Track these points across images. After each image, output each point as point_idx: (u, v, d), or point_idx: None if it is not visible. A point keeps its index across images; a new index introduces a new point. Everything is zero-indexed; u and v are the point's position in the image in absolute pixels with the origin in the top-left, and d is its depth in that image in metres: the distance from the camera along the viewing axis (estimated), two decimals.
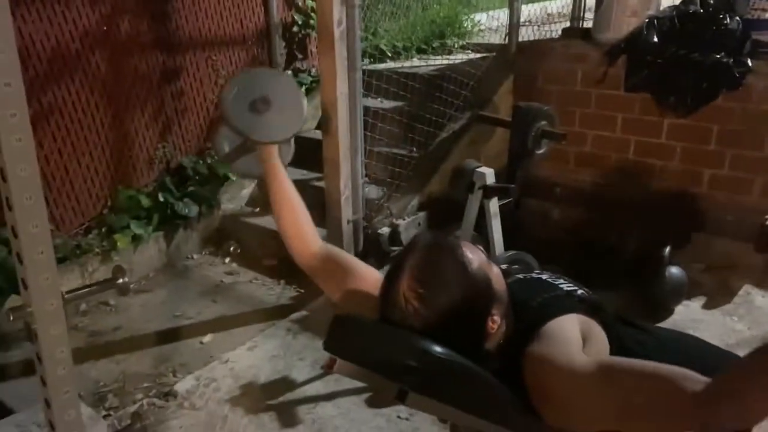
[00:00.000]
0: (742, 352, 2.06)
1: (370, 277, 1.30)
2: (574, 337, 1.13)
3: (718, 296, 2.96)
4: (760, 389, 0.88)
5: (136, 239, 3.31)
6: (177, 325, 2.94)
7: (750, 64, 2.79)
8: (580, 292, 1.30)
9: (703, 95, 2.94)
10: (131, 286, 3.25)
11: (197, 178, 3.72)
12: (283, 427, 2.23)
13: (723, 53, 2.82)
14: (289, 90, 1.49)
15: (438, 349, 0.96)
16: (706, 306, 2.91)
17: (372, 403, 2.33)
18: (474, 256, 1.10)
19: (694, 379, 0.94)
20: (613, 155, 3.38)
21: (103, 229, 3.30)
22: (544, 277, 1.35)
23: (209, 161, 3.81)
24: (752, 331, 2.69)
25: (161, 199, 3.47)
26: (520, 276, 1.35)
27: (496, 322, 1.11)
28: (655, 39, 3.02)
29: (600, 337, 1.23)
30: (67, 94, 3.15)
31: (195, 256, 3.62)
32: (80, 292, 1.08)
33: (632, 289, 2.92)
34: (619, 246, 3.26)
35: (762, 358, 0.90)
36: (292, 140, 1.68)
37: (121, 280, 1.12)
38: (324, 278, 1.42)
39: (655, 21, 3.04)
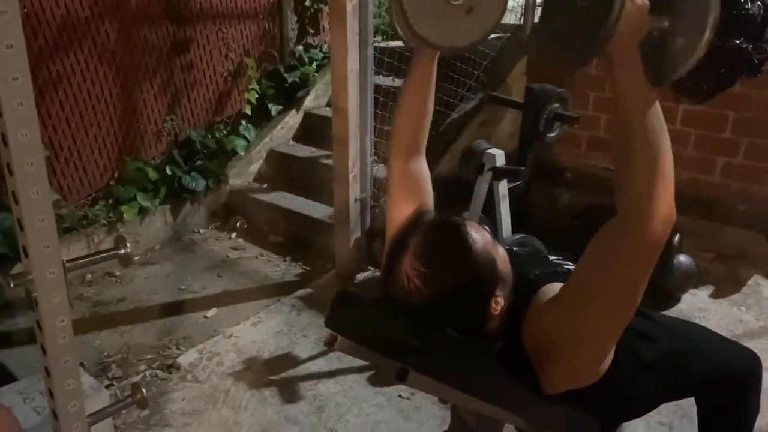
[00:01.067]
0: (748, 343, 2.05)
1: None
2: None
3: (726, 286, 2.93)
4: (636, 167, 0.94)
5: (142, 211, 3.31)
6: (182, 298, 2.95)
7: None
8: None
9: (720, 81, 2.87)
10: (136, 258, 3.26)
11: (205, 152, 3.70)
12: (285, 402, 2.24)
13: (743, 38, 2.76)
14: None
15: (439, 328, 0.94)
16: (714, 295, 2.88)
17: (374, 381, 2.34)
18: (479, 235, 1.08)
19: (606, 226, 1.01)
20: None
21: (110, 201, 3.30)
22: (550, 258, 1.34)
23: (218, 135, 3.79)
24: (759, 321, 2.67)
25: (169, 172, 3.46)
26: (525, 255, 1.33)
27: (499, 303, 1.09)
28: None
29: None
30: (76, 63, 3.13)
31: (201, 231, 3.62)
32: (81, 261, 1.07)
33: None
34: None
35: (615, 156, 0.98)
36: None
37: (123, 251, 1.10)
38: (395, 189, 1.36)
39: None
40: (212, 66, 3.80)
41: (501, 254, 1.11)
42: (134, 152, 3.49)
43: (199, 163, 3.63)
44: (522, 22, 3.70)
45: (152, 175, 3.41)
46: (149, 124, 3.54)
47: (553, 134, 2.95)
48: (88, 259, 1.09)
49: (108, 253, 1.09)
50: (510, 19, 4.30)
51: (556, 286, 1.12)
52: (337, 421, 2.16)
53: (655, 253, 0.97)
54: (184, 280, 3.09)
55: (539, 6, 3.68)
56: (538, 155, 3.26)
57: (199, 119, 3.80)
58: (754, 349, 1.58)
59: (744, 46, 3.03)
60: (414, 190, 1.35)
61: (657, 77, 0.97)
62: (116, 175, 3.42)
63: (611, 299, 1.00)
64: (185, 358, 2.47)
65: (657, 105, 0.96)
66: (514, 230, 2.77)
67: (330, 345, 1.00)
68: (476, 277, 1.05)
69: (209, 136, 3.77)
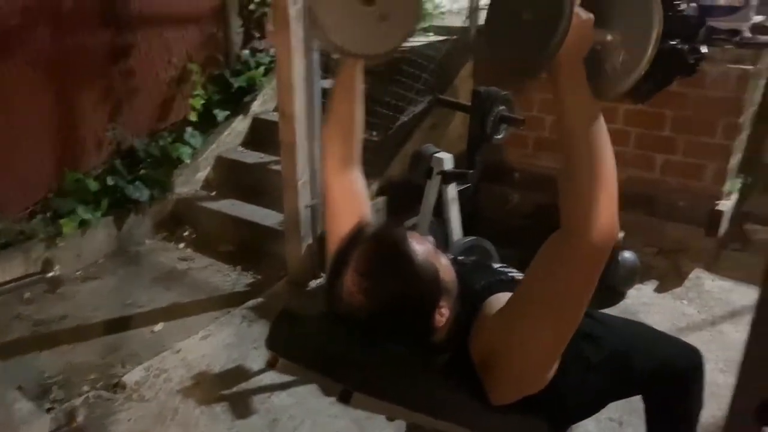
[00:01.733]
0: (691, 336, 2.11)
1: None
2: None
3: (669, 280, 3.02)
4: (579, 178, 0.95)
5: (83, 224, 3.19)
6: (127, 313, 2.85)
7: (704, 50, 2.81)
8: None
9: (658, 81, 2.96)
10: (77, 272, 3.14)
11: (149, 160, 3.60)
12: (237, 418, 2.19)
13: (679, 39, 2.84)
14: None
15: (383, 345, 0.93)
16: (658, 290, 2.96)
17: (329, 391, 2.31)
18: (420, 246, 1.07)
19: (551, 239, 1.01)
20: None
21: (49, 214, 3.16)
22: (494, 266, 1.34)
23: (162, 143, 3.68)
24: (702, 314, 2.75)
25: (111, 182, 3.35)
26: (469, 264, 1.33)
27: (444, 315, 1.08)
28: None
29: None
30: (8, 70, 2.98)
31: (147, 242, 3.51)
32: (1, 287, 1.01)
33: None
34: None
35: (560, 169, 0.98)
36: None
37: (50, 274, 1.04)
38: (334, 198, 1.32)
39: None
40: (155, 72, 3.69)
41: (444, 264, 1.10)
42: (74, 163, 3.36)
43: (143, 172, 3.52)
44: (468, 25, 3.73)
45: (93, 186, 3.29)
46: (89, 133, 3.42)
47: (500, 136, 2.98)
48: (11, 285, 1.03)
49: (32, 278, 1.03)
50: (456, 21, 4.34)
51: (502, 297, 1.12)
52: None
53: (599, 265, 0.98)
54: (129, 295, 2.99)
55: (483, 8, 3.72)
56: (486, 157, 3.29)
57: (142, 127, 3.69)
58: (697, 342, 1.62)
59: (680, 47, 3.11)
60: (352, 203, 1.32)
61: (600, 91, 0.98)
62: (55, 187, 3.28)
63: (556, 310, 1.00)
64: (131, 377, 2.38)
65: (601, 118, 0.96)
66: (465, 233, 2.79)
67: (272, 366, 0.97)
68: (419, 289, 1.04)
69: (153, 144, 3.66)
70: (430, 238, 1.12)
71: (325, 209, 1.36)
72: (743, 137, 3.07)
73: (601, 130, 0.96)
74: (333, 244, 1.19)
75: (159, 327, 2.74)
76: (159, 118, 3.77)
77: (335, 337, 0.96)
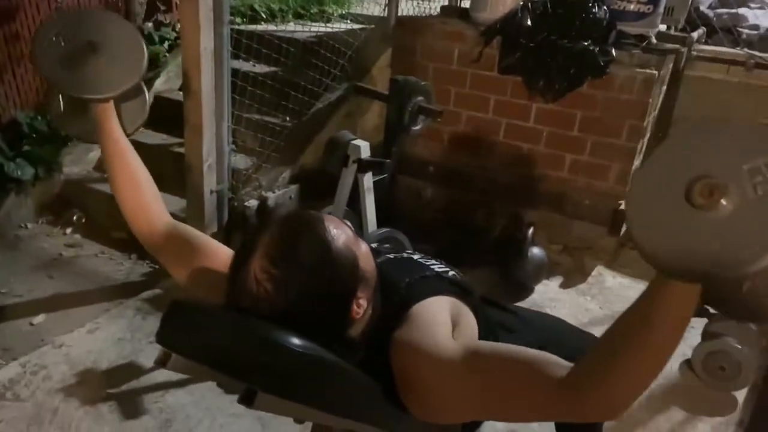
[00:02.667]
0: (594, 330, 2.14)
1: (223, 256, 1.13)
2: (443, 321, 1.05)
3: (573, 276, 3.10)
4: (621, 370, 0.83)
5: None
6: (2, 303, 2.54)
7: (614, 53, 2.90)
8: (451, 273, 1.23)
9: (570, 81, 3.03)
10: None
11: (35, 136, 3.25)
12: (125, 418, 2.00)
13: (590, 41, 2.91)
14: (124, 35, 1.26)
15: (294, 341, 0.82)
16: (563, 285, 3.03)
17: (230, 389, 2.16)
18: (339, 231, 0.97)
19: (559, 365, 0.89)
20: (485, 136, 3.41)
21: None
22: (415, 257, 1.26)
23: (50, 118, 3.34)
24: (603, 310, 2.84)
25: None
26: (391, 255, 1.25)
27: (362, 306, 0.99)
28: (529, 22, 3.05)
29: (469, 320, 1.17)
30: None
31: (29, 226, 3.17)
32: None
33: (496, 269, 2.98)
34: (486, 227, 3.31)
35: (610, 339, 0.86)
36: (147, 101, 1.46)
37: None
38: (170, 258, 1.22)
39: (530, 4, 3.07)
40: None
41: (363, 251, 1.01)
42: None
43: (26, 148, 3.17)
44: (387, 14, 3.66)
45: None
46: None
47: (417, 127, 2.93)
48: None
49: None
50: (375, 10, 4.26)
51: (431, 309, 1.05)
52: None
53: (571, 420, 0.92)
54: (5, 283, 2.68)
55: None
56: (402, 148, 3.24)
57: (27, 99, 3.33)
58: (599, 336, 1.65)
59: (592, 48, 3.17)
60: (185, 250, 1.21)
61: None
62: None
63: (497, 411, 0.97)
64: (4, 374, 2.12)
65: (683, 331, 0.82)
66: (380, 224, 2.72)
67: (163, 364, 0.84)
68: (335, 279, 0.94)
69: (39, 118, 3.31)
70: (348, 224, 1.03)
71: (172, 273, 1.25)
72: (646, 140, 3.20)
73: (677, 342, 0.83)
74: (196, 290, 1.12)
75: (39, 319, 2.46)
76: (47, 91, 3.42)
77: (236, 330, 0.84)
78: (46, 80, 1.18)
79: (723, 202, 0.70)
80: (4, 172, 3.02)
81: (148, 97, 1.46)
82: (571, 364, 0.88)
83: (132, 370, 2.21)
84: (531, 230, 2.98)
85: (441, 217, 3.49)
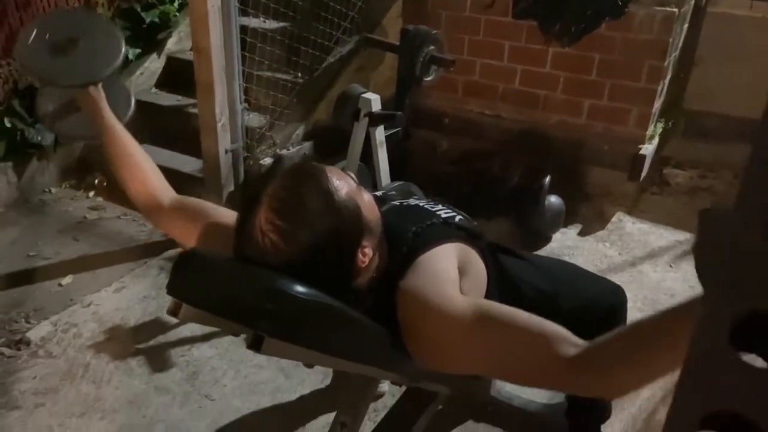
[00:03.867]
0: (613, 276, 2.14)
1: (229, 218, 1.15)
2: (451, 270, 1.06)
3: (592, 224, 3.08)
4: (628, 366, 0.85)
5: None
6: (31, 266, 2.63)
7: None
8: (458, 218, 1.23)
9: (586, 23, 2.94)
10: None
11: None
12: (154, 372, 2.08)
13: None
14: (102, 30, 1.40)
15: (298, 288, 0.84)
16: (582, 233, 3.02)
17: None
18: (341, 182, 0.98)
19: (570, 342, 0.90)
20: (500, 84, 3.35)
21: None
22: (421, 203, 1.27)
23: (39, 120, 3.36)
24: (623, 256, 2.83)
25: (8, 124, 3.04)
26: (396, 203, 1.25)
27: (367, 255, 1.00)
28: None
29: (478, 266, 1.18)
30: None
31: (53, 190, 3.24)
32: None
33: (514, 218, 2.97)
34: (502, 177, 3.29)
35: (634, 335, 0.87)
36: (132, 96, 1.58)
37: None
38: (179, 231, 1.26)
39: None
40: (53, 2, 3.34)
41: (366, 201, 1.02)
42: None
43: None
44: None
45: None
46: None
47: (429, 78, 2.89)
48: None
49: None
50: None
51: (438, 257, 1.05)
52: (213, 386, 2.03)
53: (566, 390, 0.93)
54: (33, 246, 2.76)
55: None
56: (416, 101, 3.20)
57: None
58: (618, 282, 1.64)
59: None
60: (192, 220, 1.22)
61: None
62: None
63: (502, 369, 0.97)
64: (36, 332, 2.21)
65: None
66: (394, 178, 2.72)
67: (174, 314, 0.87)
68: (339, 228, 0.95)
69: None
70: (351, 174, 1.04)
71: (183, 244, 1.28)
72: (666, 81, 3.12)
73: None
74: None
75: (67, 280, 2.55)
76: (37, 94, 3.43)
77: (243, 279, 0.86)
78: (29, 73, 1.28)
79: None
80: (24, 138, 3.07)
81: (132, 94, 1.59)
82: (582, 342, 0.89)
83: (158, 326, 2.28)
84: (548, 178, 2.95)
85: (456, 168, 3.47)
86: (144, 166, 1.30)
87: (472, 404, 1.93)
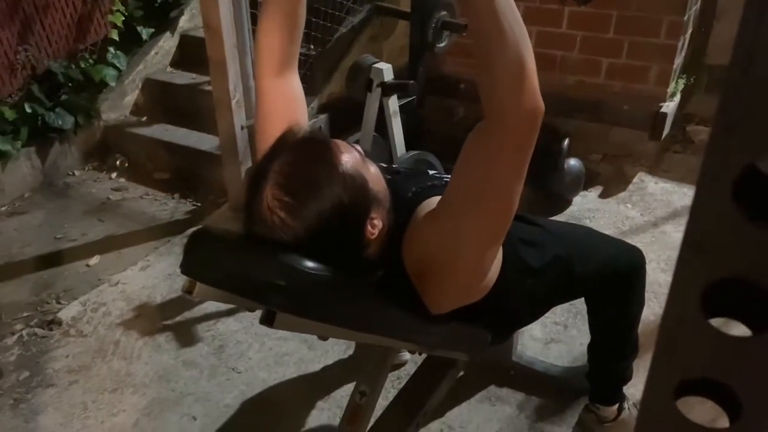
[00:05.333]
0: (635, 238, 2.12)
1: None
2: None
3: (613, 185, 3.04)
4: (500, 69, 0.89)
5: (2, 157, 2.96)
6: (59, 248, 2.70)
7: None
8: None
9: None
10: (2, 208, 2.94)
11: (70, 85, 3.33)
12: (182, 347, 2.14)
13: None
14: None
15: (307, 263, 0.85)
16: (603, 195, 2.98)
17: None
18: (346, 155, 0.98)
19: (482, 126, 0.96)
20: None
21: None
22: (431, 172, 1.27)
23: (83, 65, 3.40)
24: (644, 217, 2.79)
25: (28, 110, 3.09)
26: (403, 172, 1.25)
27: (376, 227, 1.01)
28: None
29: None
30: None
31: (76, 173, 3.30)
32: None
33: (532, 183, 2.94)
34: None
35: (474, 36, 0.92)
36: None
37: None
38: (266, 112, 1.19)
39: None
40: None
41: (373, 173, 1.02)
42: None
43: (64, 97, 3.26)
44: None
45: (9, 114, 3.04)
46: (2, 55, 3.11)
47: (442, 44, 2.85)
48: None
49: None
50: None
51: (433, 201, 1.05)
52: (239, 359, 2.08)
53: (526, 150, 0.92)
54: (60, 228, 2.83)
55: None
56: (429, 68, 3.16)
57: (58, 48, 3.38)
58: (639, 244, 1.63)
59: None
60: (289, 112, 1.19)
61: None
62: None
63: (487, 204, 0.95)
64: (67, 312, 2.28)
65: None
66: (410, 147, 2.70)
67: (189, 293, 0.89)
68: (347, 201, 0.96)
69: (73, 66, 3.37)
70: (358, 147, 1.04)
71: (256, 119, 1.22)
72: (687, 37, 3.03)
73: (510, 5, 0.88)
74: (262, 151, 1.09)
75: (94, 260, 2.61)
76: (77, 38, 3.46)
77: (251, 257, 0.88)
78: None
79: None
80: (45, 123, 3.12)
81: None
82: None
83: (184, 302, 2.33)
84: (567, 141, 2.91)
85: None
86: (296, 25, 1.19)
87: (494, 369, 1.94)
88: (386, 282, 1.02)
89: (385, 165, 1.13)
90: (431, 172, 1.27)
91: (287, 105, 1.20)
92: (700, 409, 0.32)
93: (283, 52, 1.19)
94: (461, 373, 1.85)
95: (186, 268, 0.90)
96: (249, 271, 0.86)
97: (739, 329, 0.26)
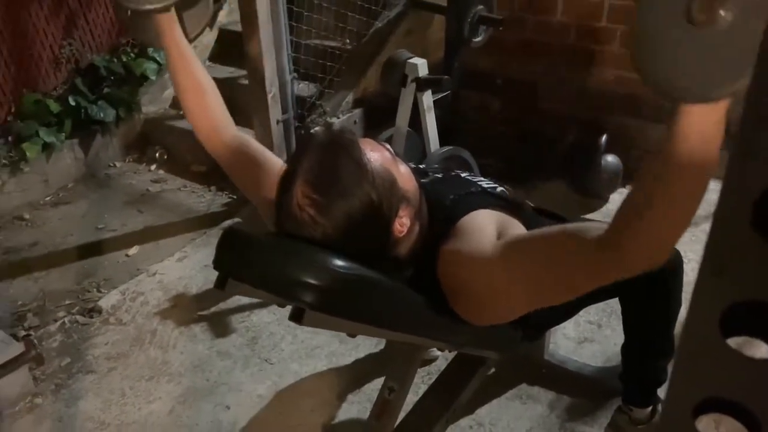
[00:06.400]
0: None
1: (279, 168, 1.17)
2: (488, 226, 1.06)
3: None
4: (655, 216, 0.78)
5: (47, 148, 3.06)
6: (100, 238, 2.78)
7: None
8: (499, 189, 1.22)
9: None
10: (47, 198, 3.05)
11: (112, 78, 3.41)
12: (216, 337, 2.18)
13: None
14: None
15: (335, 261, 0.86)
16: None
17: None
18: (375, 153, 0.99)
19: (594, 227, 0.87)
20: (554, 42, 3.23)
21: (10, 138, 3.02)
22: (463, 175, 1.26)
23: (125, 59, 3.48)
24: None
25: (72, 102, 3.18)
26: (438, 175, 1.25)
27: (404, 225, 1.01)
28: None
29: (519, 231, 1.17)
30: None
31: (117, 164, 3.39)
32: None
33: (569, 179, 2.90)
34: (557, 137, 3.20)
35: (639, 187, 0.81)
36: (210, 3, 1.44)
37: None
38: (233, 167, 1.28)
39: None
40: None
41: (403, 171, 1.03)
42: (31, 83, 3.18)
43: (106, 91, 3.35)
44: None
45: (54, 107, 3.13)
46: (44, 50, 3.21)
47: (478, 39, 2.83)
48: None
49: None
50: None
51: (480, 219, 1.05)
52: (272, 350, 2.11)
53: (615, 279, 0.86)
54: (101, 219, 2.92)
55: None
56: (465, 62, 3.14)
57: (101, 42, 3.48)
58: (678, 243, 1.59)
59: None
60: (248, 160, 1.25)
61: None
62: (13, 110, 3.12)
63: (547, 289, 0.94)
64: (107, 301, 2.35)
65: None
66: (444, 143, 2.70)
67: (221, 288, 0.91)
68: (375, 198, 0.96)
69: (115, 60, 3.46)
70: (387, 145, 1.04)
71: (233, 180, 1.31)
72: None
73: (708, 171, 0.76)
74: (263, 204, 1.15)
75: (134, 250, 2.68)
76: (119, 32, 3.54)
77: (281, 255, 0.89)
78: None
79: (722, 13, 0.64)
80: (89, 115, 3.21)
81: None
82: (603, 223, 0.86)
83: (219, 293, 2.36)
84: (604, 137, 2.85)
85: (509, 131, 3.40)
86: (207, 92, 1.28)
87: (526, 367, 1.93)
88: (414, 282, 1.02)
89: (413, 166, 1.14)
90: (463, 174, 1.27)
91: (246, 156, 1.25)
92: (724, 423, 0.31)
93: (211, 118, 1.28)
94: (492, 371, 1.85)
95: (218, 263, 0.92)
96: (278, 269, 0.87)
97: (760, 348, 0.26)
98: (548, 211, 1.38)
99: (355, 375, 2.00)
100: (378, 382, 1.93)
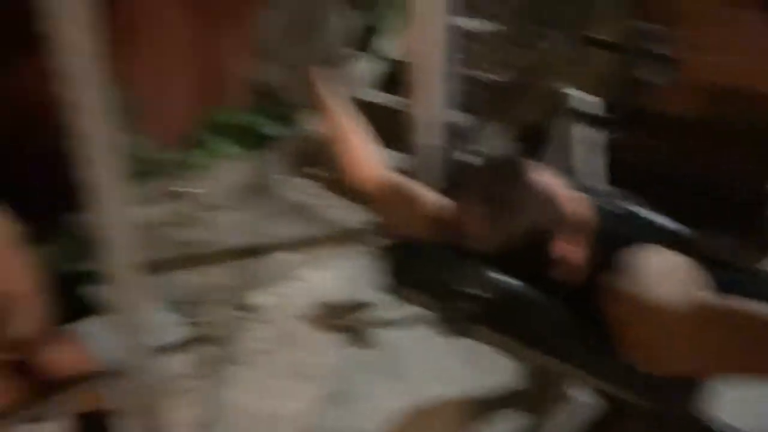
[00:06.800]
0: None
1: (432, 203, 1.23)
2: (664, 272, 1.01)
3: None
4: None
5: (226, 158, 3.40)
6: (260, 242, 3.02)
7: None
8: (673, 227, 1.17)
9: None
10: (219, 202, 3.37)
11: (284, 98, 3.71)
12: (357, 348, 2.27)
13: None
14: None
15: (502, 277, 0.89)
16: None
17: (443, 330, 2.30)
18: (543, 178, 1.02)
19: None
20: (733, 81, 3.00)
21: (193, 148, 3.39)
22: (634, 208, 1.23)
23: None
24: None
25: (249, 119, 3.52)
26: (609, 207, 1.24)
27: (565, 249, 1.01)
28: None
29: (693, 275, 1.11)
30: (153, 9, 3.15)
31: (284, 177, 3.67)
32: None
33: (739, 228, 2.66)
34: (726, 180, 2.95)
35: None
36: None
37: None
38: (382, 207, 1.36)
39: None
40: None
41: (569, 197, 1.04)
42: (216, 100, 3.54)
43: (281, 110, 3.65)
44: None
45: (235, 122, 3.48)
46: (231, 71, 3.57)
47: (649, 78, 2.71)
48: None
49: None
50: None
51: (654, 261, 1.02)
52: (409, 368, 2.16)
53: None
54: (264, 225, 3.17)
55: None
56: (632, 100, 3.01)
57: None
58: None
59: None
60: (399, 200, 1.38)
61: None
62: (199, 123, 3.49)
63: (737, 371, 0.92)
64: (260, 300, 2.54)
65: None
66: (599, 181, 2.59)
67: (396, 293, 0.97)
68: (538, 219, 0.99)
69: None
70: (554, 172, 1.06)
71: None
72: None
73: None
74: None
75: (290, 257, 2.87)
76: None
77: (452, 265, 0.94)
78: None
79: None
80: (263, 132, 3.53)
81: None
82: None
83: (363, 306, 2.48)
84: None
85: (671, 172, 3.19)
86: (358, 147, 1.37)
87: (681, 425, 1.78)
88: (573, 306, 1.01)
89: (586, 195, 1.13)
90: (633, 208, 1.23)
91: (396, 197, 1.40)
92: None
93: (361, 167, 1.31)
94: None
95: (393, 272, 0.98)
96: (445, 279, 0.91)
97: None
98: (727, 262, 1.29)
99: (488, 405, 1.98)
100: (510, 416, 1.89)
